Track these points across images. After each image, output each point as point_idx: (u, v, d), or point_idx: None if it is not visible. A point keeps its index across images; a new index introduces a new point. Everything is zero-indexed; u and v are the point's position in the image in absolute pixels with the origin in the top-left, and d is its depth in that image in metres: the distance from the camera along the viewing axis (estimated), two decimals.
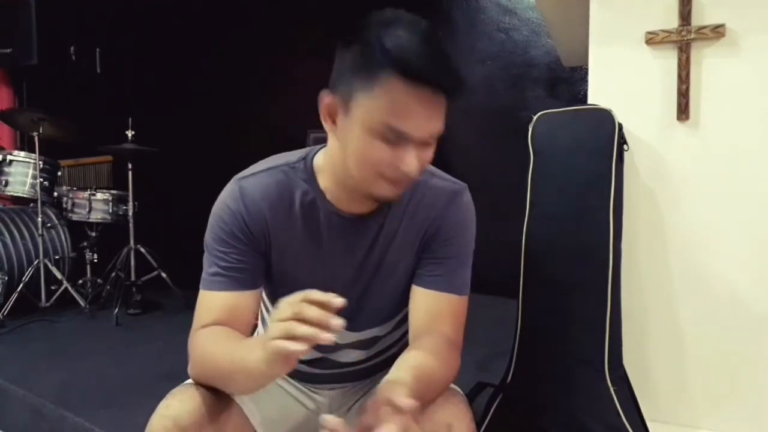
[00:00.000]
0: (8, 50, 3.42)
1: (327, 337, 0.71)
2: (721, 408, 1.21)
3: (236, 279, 0.95)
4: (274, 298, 1.07)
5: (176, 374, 1.04)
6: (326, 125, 0.92)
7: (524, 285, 1.18)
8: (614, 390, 1.09)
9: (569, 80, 3.05)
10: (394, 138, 0.84)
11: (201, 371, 0.92)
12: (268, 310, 1.13)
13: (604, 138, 1.13)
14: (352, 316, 0.99)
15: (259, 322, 1.19)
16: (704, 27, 1.18)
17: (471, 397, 1.25)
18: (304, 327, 0.71)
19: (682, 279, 1.23)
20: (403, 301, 1.04)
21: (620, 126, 1.16)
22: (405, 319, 1.05)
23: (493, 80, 3.41)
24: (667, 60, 1.21)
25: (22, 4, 3.40)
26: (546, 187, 1.16)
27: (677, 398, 1.25)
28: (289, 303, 0.74)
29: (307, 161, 0.99)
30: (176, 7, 3.88)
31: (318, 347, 0.85)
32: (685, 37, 1.19)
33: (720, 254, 1.20)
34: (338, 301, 0.73)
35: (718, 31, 1.17)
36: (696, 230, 1.21)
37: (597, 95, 1.26)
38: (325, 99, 0.90)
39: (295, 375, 1.12)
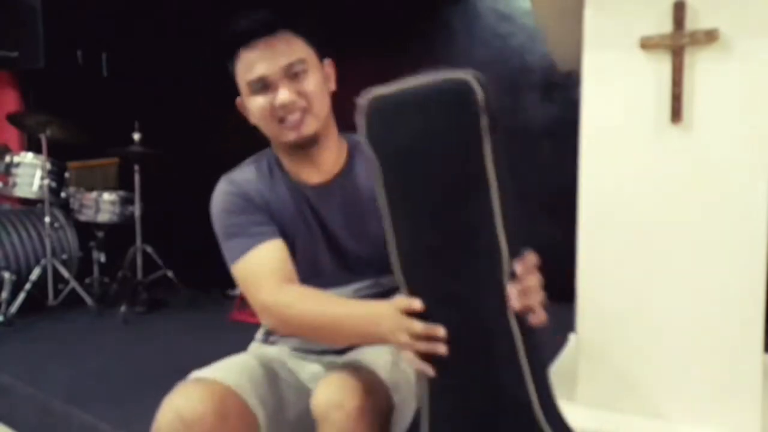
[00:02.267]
0: (15, 54, 3.46)
1: (443, 350, 0.81)
2: (703, 403, 1.23)
3: (260, 233, 1.08)
4: None
5: (182, 371, 1.07)
6: (251, 119, 1.13)
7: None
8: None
9: (564, 85, 3.07)
10: (260, 87, 1.06)
11: (295, 326, 1.02)
12: None
13: (465, 121, 0.79)
14: (347, 267, 1.14)
15: None
16: (697, 31, 1.19)
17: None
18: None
19: (665, 278, 1.25)
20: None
21: (486, 96, 0.81)
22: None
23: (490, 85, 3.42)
24: (661, 64, 1.22)
25: (29, 9, 3.44)
26: (407, 206, 0.83)
27: (659, 393, 1.27)
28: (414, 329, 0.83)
29: (271, 152, 1.19)
30: (183, 11, 3.91)
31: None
32: (678, 42, 1.20)
33: (706, 254, 1.21)
34: (440, 332, 0.81)
35: (711, 36, 1.18)
36: (686, 231, 1.23)
37: (590, 99, 1.28)
38: (238, 102, 1.15)
39: (293, 347, 1.21)
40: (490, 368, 0.83)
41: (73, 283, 3.12)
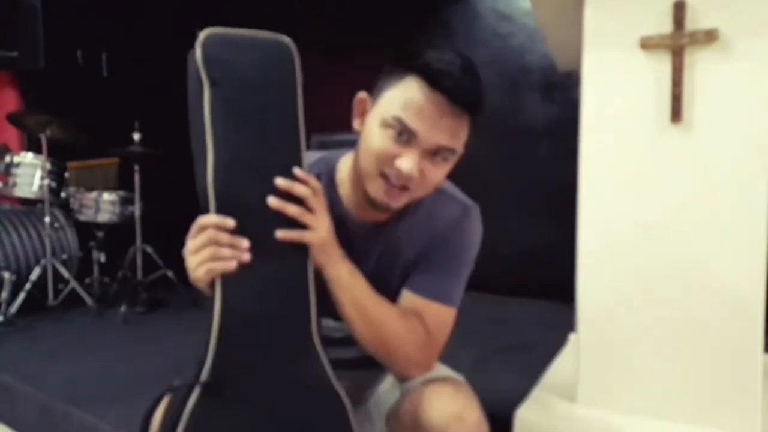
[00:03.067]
0: (15, 54, 3.46)
1: (246, 258, 0.85)
2: (703, 403, 1.23)
3: None
4: None
5: (182, 371, 1.07)
6: (356, 124, 1.00)
7: None
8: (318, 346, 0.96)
9: (564, 85, 3.07)
10: (403, 134, 0.91)
11: None
12: None
13: (287, 67, 0.95)
14: None
15: None
16: (697, 31, 1.19)
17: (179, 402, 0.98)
18: (226, 250, 0.85)
19: (665, 278, 1.25)
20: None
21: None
22: None
23: (490, 86, 3.42)
24: (661, 64, 1.22)
25: (29, 8, 3.43)
26: (231, 125, 0.92)
27: (659, 393, 1.27)
28: (197, 234, 0.88)
29: (329, 165, 1.08)
30: (183, 11, 3.91)
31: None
32: (678, 42, 1.20)
33: (706, 254, 1.21)
34: (230, 222, 0.86)
35: (711, 36, 1.18)
36: (686, 231, 1.23)
37: (590, 99, 1.28)
38: (359, 96, 1.00)
39: None
40: (283, 283, 0.94)
41: (73, 283, 3.11)
